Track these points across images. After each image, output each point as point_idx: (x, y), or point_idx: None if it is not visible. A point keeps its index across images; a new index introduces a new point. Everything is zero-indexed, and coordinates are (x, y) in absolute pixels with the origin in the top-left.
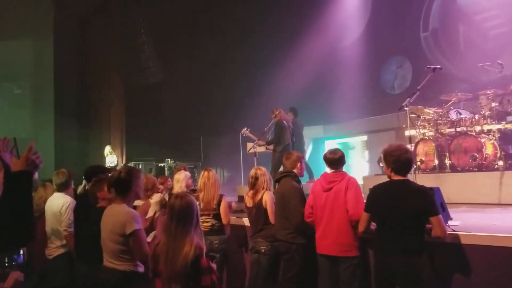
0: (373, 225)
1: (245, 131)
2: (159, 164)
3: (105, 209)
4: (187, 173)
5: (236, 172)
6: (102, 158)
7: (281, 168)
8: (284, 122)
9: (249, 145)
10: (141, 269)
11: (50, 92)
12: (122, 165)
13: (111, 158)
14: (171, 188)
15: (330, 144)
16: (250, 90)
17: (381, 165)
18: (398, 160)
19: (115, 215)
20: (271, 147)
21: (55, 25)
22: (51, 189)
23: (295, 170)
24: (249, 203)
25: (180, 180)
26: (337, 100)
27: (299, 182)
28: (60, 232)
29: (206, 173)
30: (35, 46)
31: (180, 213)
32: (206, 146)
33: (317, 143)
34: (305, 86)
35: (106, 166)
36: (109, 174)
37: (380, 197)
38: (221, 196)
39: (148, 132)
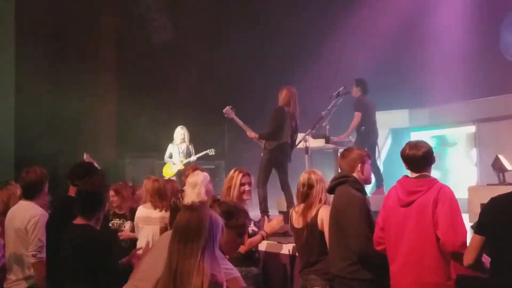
0: (486, 259)
1: (228, 110)
2: (163, 162)
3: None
4: (206, 175)
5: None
6: (79, 154)
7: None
8: (286, 109)
9: (299, 136)
10: None
11: (11, 52)
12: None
13: (183, 147)
14: (178, 197)
15: (419, 138)
16: (302, 62)
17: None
18: None
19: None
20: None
21: None
22: (15, 194)
23: (355, 174)
24: (297, 222)
25: (198, 185)
26: (430, 75)
27: (362, 190)
28: (25, 258)
29: (230, 172)
30: None
31: (186, 231)
32: (233, 138)
33: (399, 136)
34: (382, 55)
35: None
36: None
37: (502, 214)
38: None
39: (146, 116)
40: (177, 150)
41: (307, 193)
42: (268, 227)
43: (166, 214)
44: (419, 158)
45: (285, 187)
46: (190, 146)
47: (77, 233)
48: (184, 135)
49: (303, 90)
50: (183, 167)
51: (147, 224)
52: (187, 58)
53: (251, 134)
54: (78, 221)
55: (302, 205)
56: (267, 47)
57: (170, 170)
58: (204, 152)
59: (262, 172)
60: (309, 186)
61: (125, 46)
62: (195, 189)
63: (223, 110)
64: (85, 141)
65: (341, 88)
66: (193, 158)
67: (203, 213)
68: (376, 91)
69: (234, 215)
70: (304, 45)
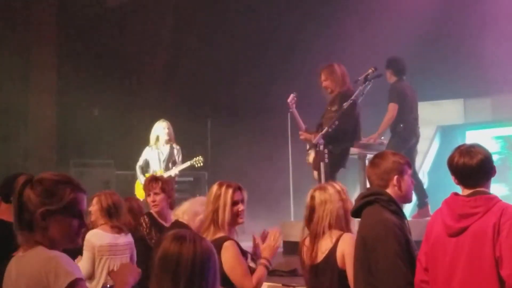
0: None
1: (292, 100)
2: (124, 172)
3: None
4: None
5: (280, 193)
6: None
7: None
8: (354, 94)
9: (306, 135)
10: None
11: None
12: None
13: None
14: (140, 223)
15: (478, 139)
16: (318, 36)
17: None
18: None
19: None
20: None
21: None
22: None
23: (389, 190)
24: (309, 257)
25: (197, 211)
26: (493, 51)
27: (399, 213)
28: None
29: (213, 188)
30: None
31: (192, 273)
32: (219, 141)
33: (450, 137)
34: (426, 25)
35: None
36: None
37: None
38: (221, 241)
39: (99, 108)
40: (157, 156)
41: (310, 218)
42: (266, 250)
43: (131, 239)
44: (472, 169)
45: None
46: (175, 150)
47: None
48: (169, 132)
49: (316, 73)
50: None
51: (115, 255)
52: (155, 27)
53: (308, 134)
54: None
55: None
56: (275, 10)
57: None
58: (189, 163)
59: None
60: (312, 209)
61: (69, 10)
62: (195, 221)
63: (288, 100)
64: (13, 143)
65: (370, 70)
66: (175, 170)
67: (208, 247)
68: (418, 75)
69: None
70: (320, 14)
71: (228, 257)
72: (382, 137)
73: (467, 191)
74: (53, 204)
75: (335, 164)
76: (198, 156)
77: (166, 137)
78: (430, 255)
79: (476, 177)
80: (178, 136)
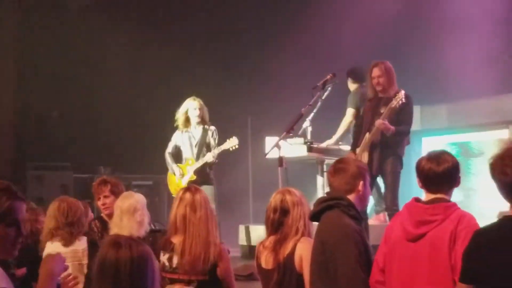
0: None
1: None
2: (82, 176)
3: None
4: (142, 197)
5: (238, 196)
6: None
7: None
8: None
9: (269, 140)
10: None
11: None
12: None
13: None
14: (92, 229)
15: (433, 145)
16: (275, 36)
17: None
18: None
19: None
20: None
21: None
22: None
23: (352, 196)
24: (267, 262)
25: (139, 210)
26: (448, 59)
27: (358, 218)
28: None
29: (188, 195)
30: None
31: (131, 278)
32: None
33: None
34: (383, 32)
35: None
36: None
37: (491, 252)
38: (219, 247)
39: (60, 110)
40: (188, 141)
41: (280, 221)
42: None
43: (79, 246)
44: (437, 176)
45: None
46: (209, 132)
47: None
48: (200, 112)
49: (277, 78)
50: (192, 176)
51: None
52: (117, 32)
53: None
54: None
55: (272, 238)
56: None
57: (180, 178)
58: (223, 147)
59: (398, 186)
60: (283, 211)
61: (30, 13)
62: (135, 216)
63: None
64: None
65: (328, 76)
66: (208, 157)
67: (144, 251)
68: None
69: None
70: (283, 23)
71: (226, 268)
72: (340, 142)
73: (429, 196)
74: None
75: (400, 166)
76: (232, 137)
77: (197, 119)
78: (389, 258)
79: (440, 183)
80: (140, 139)
